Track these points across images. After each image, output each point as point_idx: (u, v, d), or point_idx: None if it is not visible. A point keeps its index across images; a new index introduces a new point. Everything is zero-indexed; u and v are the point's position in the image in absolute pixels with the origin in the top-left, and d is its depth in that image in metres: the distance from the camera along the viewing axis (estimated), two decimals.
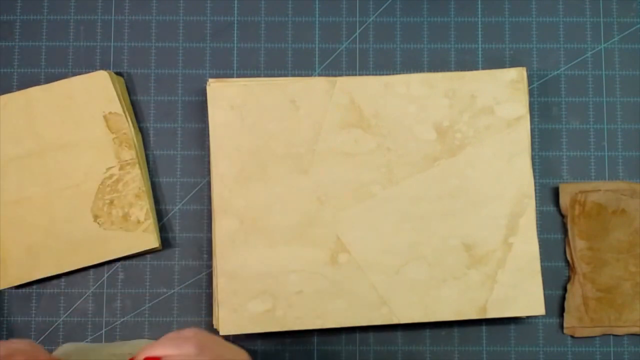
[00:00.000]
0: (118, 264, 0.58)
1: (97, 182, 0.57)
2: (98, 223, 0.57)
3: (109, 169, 0.58)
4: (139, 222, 0.57)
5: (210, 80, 0.58)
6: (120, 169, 0.58)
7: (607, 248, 0.57)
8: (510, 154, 0.56)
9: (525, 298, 0.55)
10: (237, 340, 0.57)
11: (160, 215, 0.58)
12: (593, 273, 0.56)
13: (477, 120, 0.57)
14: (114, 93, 0.58)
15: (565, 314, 0.57)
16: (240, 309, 0.56)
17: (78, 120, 0.58)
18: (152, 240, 0.57)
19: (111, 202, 0.57)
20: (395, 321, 0.55)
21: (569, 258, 0.57)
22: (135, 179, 0.57)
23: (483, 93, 0.57)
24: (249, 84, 0.57)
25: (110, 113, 0.58)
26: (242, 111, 0.57)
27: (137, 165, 0.57)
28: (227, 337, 0.57)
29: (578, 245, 0.57)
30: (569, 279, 0.57)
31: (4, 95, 0.58)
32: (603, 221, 0.57)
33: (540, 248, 0.57)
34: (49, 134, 0.57)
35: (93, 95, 0.58)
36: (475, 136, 0.56)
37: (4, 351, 0.44)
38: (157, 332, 0.57)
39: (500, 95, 0.57)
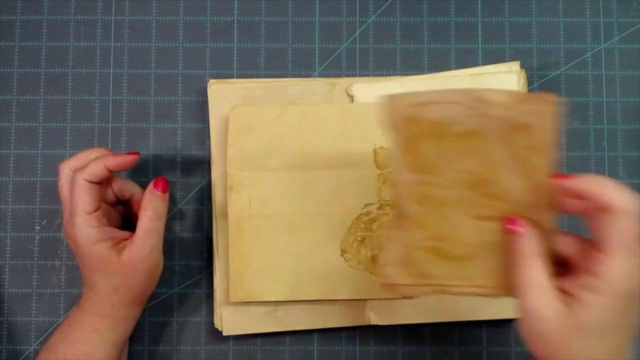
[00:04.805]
0: None
1: (353, 216, 0.54)
2: (344, 258, 0.54)
3: (367, 205, 0.54)
4: None
5: (211, 81, 0.58)
6: (379, 208, 0.54)
7: (447, 183, 0.42)
8: None
9: None
10: (237, 339, 0.57)
11: None
12: (425, 216, 0.43)
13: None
14: None
15: (382, 268, 0.44)
16: (243, 309, 0.56)
17: (349, 147, 0.53)
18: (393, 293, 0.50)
19: (362, 240, 0.54)
20: (395, 321, 0.55)
21: (389, 197, 0.51)
22: None
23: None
24: (250, 85, 0.57)
25: (381, 148, 0.54)
26: None
27: None
28: (228, 338, 0.57)
29: (406, 179, 0.43)
30: (390, 225, 0.47)
31: (282, 106, 0.55)
32: (445, 147, 0.42)
33: None
34: (316, 152, 0.54)
35: (370, 124, 0.54)
36: None
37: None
38: (157, 332, 0.57)
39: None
